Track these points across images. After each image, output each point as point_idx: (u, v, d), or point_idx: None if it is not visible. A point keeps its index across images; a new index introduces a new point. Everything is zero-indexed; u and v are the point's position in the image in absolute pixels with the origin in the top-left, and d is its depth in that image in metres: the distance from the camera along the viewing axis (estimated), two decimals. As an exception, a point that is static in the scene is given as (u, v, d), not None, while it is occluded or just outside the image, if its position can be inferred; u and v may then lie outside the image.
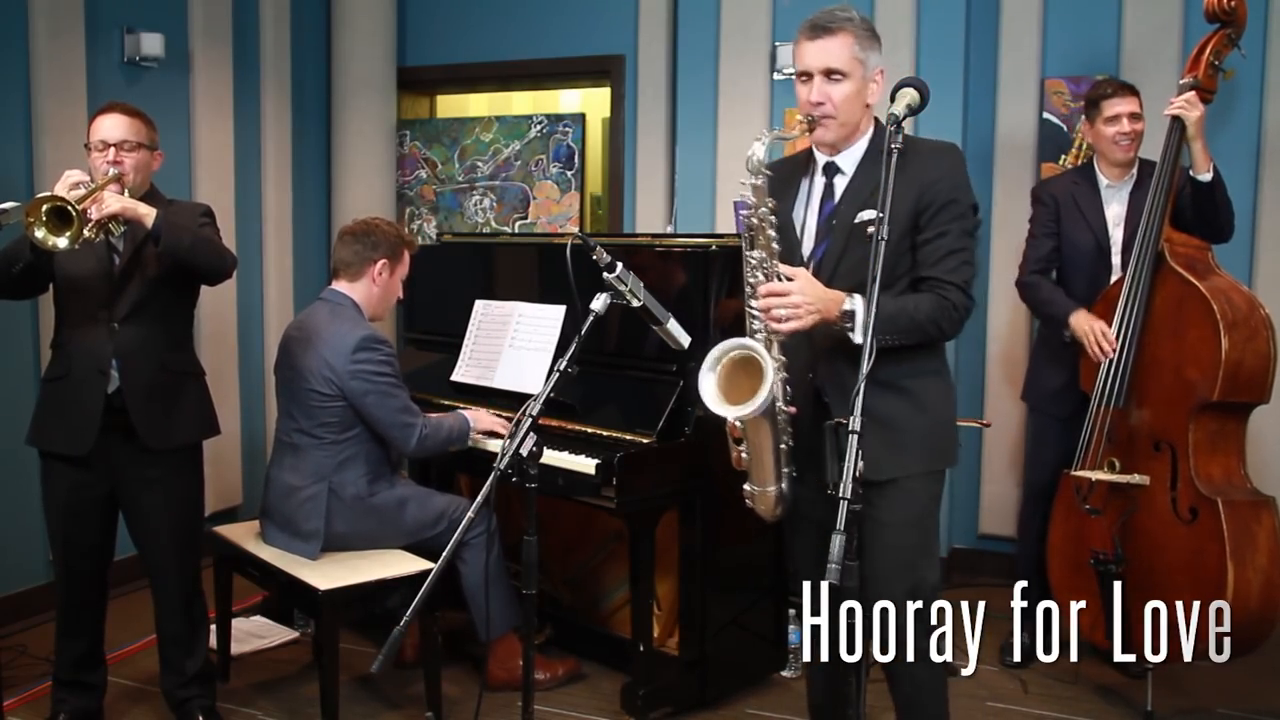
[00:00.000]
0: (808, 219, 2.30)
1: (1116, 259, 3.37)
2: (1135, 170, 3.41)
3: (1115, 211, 3.41)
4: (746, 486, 2.29)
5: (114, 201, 2.64)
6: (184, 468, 2.94)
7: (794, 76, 2.23)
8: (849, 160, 2.27)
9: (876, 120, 2.29)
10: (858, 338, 2.07)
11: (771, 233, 2.15)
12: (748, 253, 2.19)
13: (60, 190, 2.60)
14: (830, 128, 2.21)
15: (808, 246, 2.29)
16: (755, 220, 2.16)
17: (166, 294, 2.85)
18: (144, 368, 2.81)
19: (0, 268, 2.73)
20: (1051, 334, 3.47)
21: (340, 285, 3.23)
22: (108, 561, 2.97)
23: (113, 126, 2.80)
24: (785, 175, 2.34)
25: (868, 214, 2.16)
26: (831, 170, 2.29)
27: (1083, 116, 3.54)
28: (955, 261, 2.20)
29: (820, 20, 2.20)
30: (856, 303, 2.10)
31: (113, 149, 2.78)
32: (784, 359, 2.20)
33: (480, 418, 3.29)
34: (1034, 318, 4.06)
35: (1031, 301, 3.53)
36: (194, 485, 2.99)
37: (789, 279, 2.12)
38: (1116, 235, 3.39)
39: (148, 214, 2.66)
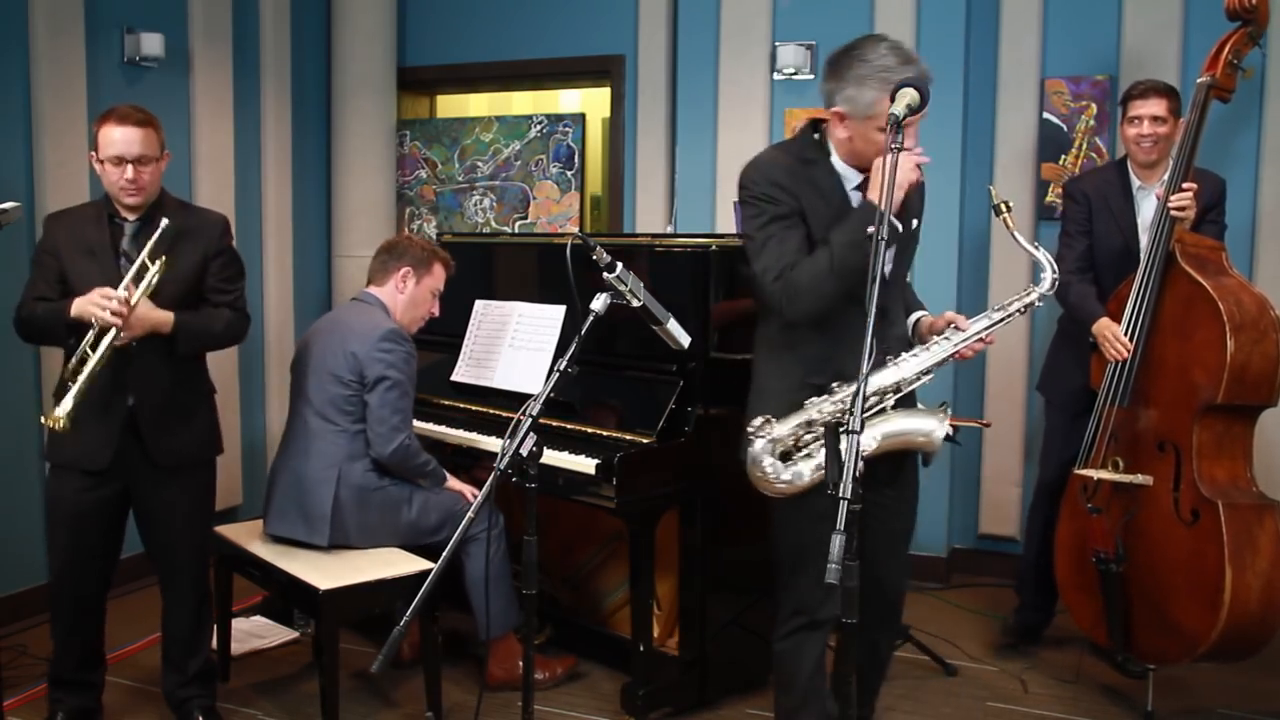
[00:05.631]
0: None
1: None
2: (1167, 174, 3.30)
3: (1146, 215, 3.35)
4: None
5: (135, 327, 2.66)
6: (198, 474, 2.97)
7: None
8: None
9: None
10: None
11: None
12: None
13: (94, 309, 2.60)
14: None
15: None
16: None
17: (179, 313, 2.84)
18: (158, 386, 2.81)
19: (30, 331, 2.82)
20: (1077, 334, 3.41)
21: (370, 289, 3.33)
22: (115, 562, 2.97)
23: (129, 142, 2.72)
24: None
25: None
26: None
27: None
28: None
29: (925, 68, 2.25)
30: None
31: (130, 167, 2.73)
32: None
33: (458, 485, 3.29)
34: (1034, 317, 4.07)
35: (1063, 302, 3.48)
36: (208, 489, 3.02)
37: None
38: (1145, 240, 3.30)
39: (163, 323, 2.72)
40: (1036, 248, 2.43)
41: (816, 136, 2.43)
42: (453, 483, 3.28)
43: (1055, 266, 2.42)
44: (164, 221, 2.68)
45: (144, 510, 2.91)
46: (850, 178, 2.38)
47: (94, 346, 2.63)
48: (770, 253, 2.33)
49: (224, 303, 2.90)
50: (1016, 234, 2.40)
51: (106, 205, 2.83)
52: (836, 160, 2.39)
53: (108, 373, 2.67)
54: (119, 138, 2.73)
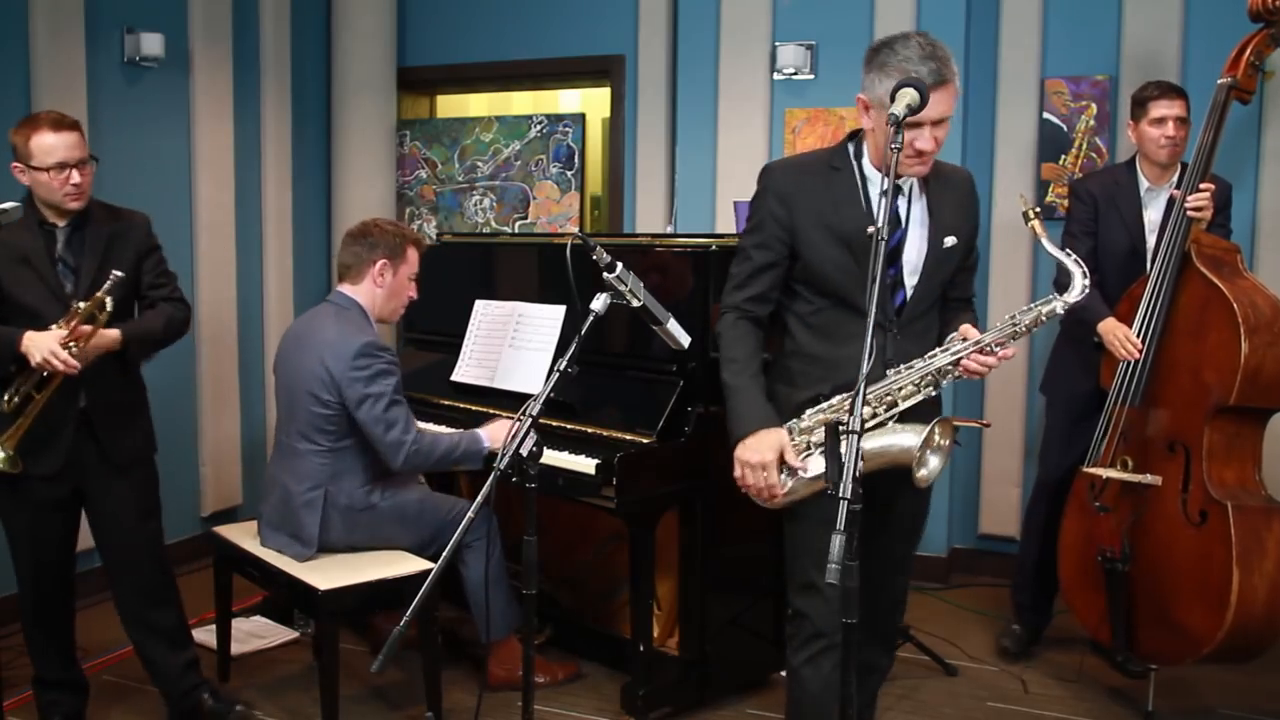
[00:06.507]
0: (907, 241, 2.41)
1: (1150, 264, 3.27)
2: (1176, 176, 3.32)
3: (1153, 216, 3.35)
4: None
5: (89, 355, 2.66)
6: (145, 470, 2.97)
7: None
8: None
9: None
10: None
11: None
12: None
13: (45, 356, 2.59)
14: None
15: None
16: None
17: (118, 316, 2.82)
18: (107, 386, 2.82)
19: None
20: (1081, 335, 3.39)
21: (345, 288, 3.19)
22: (73, 556, 2.98)
23: (69, 146, 2.69)
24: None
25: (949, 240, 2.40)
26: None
27: (1129, 116, 3.44)
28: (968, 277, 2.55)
29: (947, 72, 2.20)
30: None
31: (74, 171, 2.70)
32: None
33: (496, 435, 3.15)
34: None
35: None
36: (155, 485, 3.01)
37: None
38: (1152, 241, 3.31)
39: (113, 342, 2.73)
40: (1067, 254, 2.33)
41: (850, 145, 2.42)
42: (489, 435, 3.15)
43: (1087, 271, 2.32)
44: (114, 274, 2.69)
45: (99, 510, 2.91)
46: (876, 181, 2.35)
47: (39, 387, 2.65)
48: (736, 262, 2.46)
49: (161, 297, 2.90)
50: (1045, 240, 2.35)
51: (34, 212, 2.77)
52: (867, 164, 2.37)
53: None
54: (57, 143, 2.69)
